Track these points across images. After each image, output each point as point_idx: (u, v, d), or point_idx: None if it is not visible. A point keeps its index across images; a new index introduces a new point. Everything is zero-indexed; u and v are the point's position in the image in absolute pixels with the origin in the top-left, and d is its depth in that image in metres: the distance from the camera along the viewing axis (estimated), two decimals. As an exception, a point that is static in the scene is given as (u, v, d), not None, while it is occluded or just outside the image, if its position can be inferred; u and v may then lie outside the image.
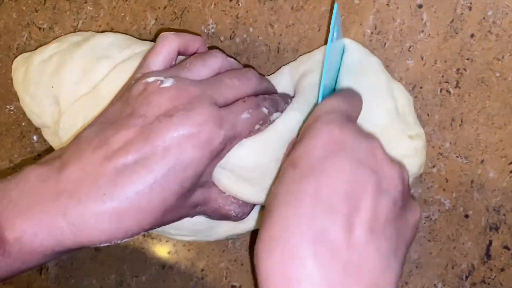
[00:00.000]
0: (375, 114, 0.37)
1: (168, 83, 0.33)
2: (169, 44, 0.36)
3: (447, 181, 0.41)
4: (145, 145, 0.30)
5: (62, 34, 0.50)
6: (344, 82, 0.38)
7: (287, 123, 0.36)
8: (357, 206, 0.27)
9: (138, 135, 0.31)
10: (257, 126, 0.34)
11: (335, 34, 0.35)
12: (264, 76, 0.41)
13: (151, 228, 0.32)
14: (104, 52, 0.41)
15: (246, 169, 0.35)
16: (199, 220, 0.38)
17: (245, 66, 0.42)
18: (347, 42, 0.41)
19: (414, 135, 0.38)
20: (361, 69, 0.39)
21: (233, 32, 0.45)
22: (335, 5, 0.34)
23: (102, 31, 0.48)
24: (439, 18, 0.41)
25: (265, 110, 0.35)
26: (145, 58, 0.36)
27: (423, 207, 0.41)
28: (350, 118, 0.32)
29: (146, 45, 0.41)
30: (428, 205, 0.41)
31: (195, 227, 0.39)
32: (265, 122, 0.35)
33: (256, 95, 0.36)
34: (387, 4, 0.42)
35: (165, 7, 0.47)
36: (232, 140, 0.33)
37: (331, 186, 0.27)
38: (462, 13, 0.40)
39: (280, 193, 0.28)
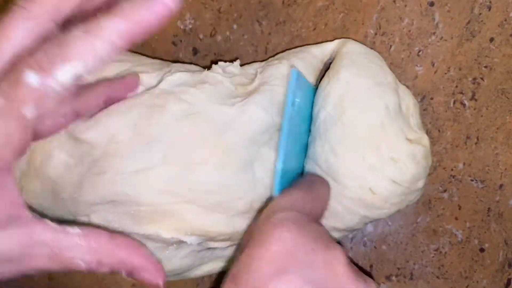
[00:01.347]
0: (374, 108, 0.33)
1: None
2: None
3: (460, 209, 0.36)
4: None
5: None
6: (344, 72, 0.33)
7: (251, 121, 0.31)
8: None
9: None
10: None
11: (295, 99, 0.30)
12: None
13: None
14: None
15: (213, 192, 0.31)
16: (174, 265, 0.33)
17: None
18: (349, 42, 0.35)
19: (413, 139, 0.33)
20: (364, 59, 0.34)
21: (214, 29, 0.39)
22: (292, 71, 0.30)
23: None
24: (453, 18, 0.36)
25: (32, 81, 0.21)
26: None
27: (432, 238, 0.36)
28: (310, 217, 0.27)
29: None
30: (438, 236, 0.36)
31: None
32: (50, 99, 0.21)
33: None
34: (394, 1, 0.37)
35: (135, -2, 0.40)
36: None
37: None
38: (480, 14, 0.36)
39: None
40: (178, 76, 0.32)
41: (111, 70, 0.33)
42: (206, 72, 0.33)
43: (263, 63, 0.36)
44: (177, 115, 0.31)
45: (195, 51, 0.39)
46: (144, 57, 0.37)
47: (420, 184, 0.33)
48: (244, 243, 0.26)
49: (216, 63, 0.35)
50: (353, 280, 0.25)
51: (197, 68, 0.36)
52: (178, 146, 0.30)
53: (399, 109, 0.33)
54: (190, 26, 0.39)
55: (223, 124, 0.31)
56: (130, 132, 0.30)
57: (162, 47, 0.40)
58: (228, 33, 0.39)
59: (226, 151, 0.31)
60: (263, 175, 0.32)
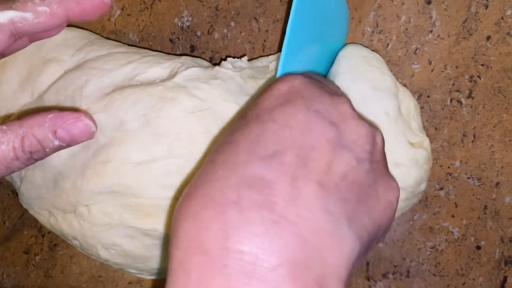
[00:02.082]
0: (374, 112, 0.33)
1: None
2: None
3: (456, 206, 0.36)
4: None
5: (13, 24, 0.43)
6: (338, 79, 0.33)
7: None
8: (307, 157, 0.23)
9: None
10: None
11: None
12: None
13: None
14: (53, 53, 0.34)
15: None
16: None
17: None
18: (348, 46, 0.35)
19: (415, 143, 0.33)
20: (363, 63, 0.34)
21: (212, 26, 0.39)
22: None
23: (60, 22, 0.42)
24: (450, 16, 0.36)
25: None
26: None
27: (429, 235, 0.36)
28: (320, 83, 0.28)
29: (103, 49, 0.35)
30: (434, 233, 0.36)
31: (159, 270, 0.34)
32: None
33: None
34: None
35: (133, -5, 0.40)
36: None
37: (276, 133, 0.23)
38: (477, 12, 0.36)
39: (219, 142, 0.25)
40: (193, 71, 0.33)
41: (120, 59, 0.34)
42: (217, 68, 0.33)
43: (271, 57, 0.36)
44: (187, 110, 0.31)
45: (192, 49, 0.39)
46: (148, 50, 0.37)
47: (423, 187, 0.34)
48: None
49: (225, 59, 0.35)
50: (358, 120, 0.25)
51: (206, 62, 0.36)
52: (184, 140, 0.31)
53: (399, 113, 0.33)
54: (188, 24, 0.39)
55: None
56: (139, 122, 0.31)
57: (159, 44, 0.40)
58: (225, 30, 0.39)
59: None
60: None
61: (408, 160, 0.32)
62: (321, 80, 0.29)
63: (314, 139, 0.23)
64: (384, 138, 0.32)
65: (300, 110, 0.24)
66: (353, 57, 0.34)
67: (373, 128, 0.26)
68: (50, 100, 0.33)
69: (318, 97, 0.25)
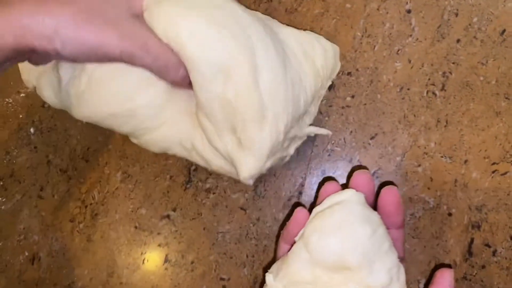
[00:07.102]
0: None
1: None
2: None
3: (431, 180, 0.41)
4: None
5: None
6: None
7: None
8: None
9: None
10: None
11: None
12: None
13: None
14: None
15: None
16: None
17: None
18: None
19: None
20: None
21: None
22: None
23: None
24: (427, 23, 0.42)
25: None
26: None
27: (408, 205, 0.42)
28: None
29: None
30: (413, 203, 0.42)
31: None
32: None
33: None
34: (377, 9, 0.43)
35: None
36: None
37: None
38: (449, 19, 0.42)
39: None
40: None
41: None
42: None
43: None
44: None
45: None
46: None
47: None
48: None
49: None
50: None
51: None
52: None
53: None
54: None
55: None
56: None
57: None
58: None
59: None
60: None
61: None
62: None
63: None
64: None
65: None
66: None
67: None
68: None
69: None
